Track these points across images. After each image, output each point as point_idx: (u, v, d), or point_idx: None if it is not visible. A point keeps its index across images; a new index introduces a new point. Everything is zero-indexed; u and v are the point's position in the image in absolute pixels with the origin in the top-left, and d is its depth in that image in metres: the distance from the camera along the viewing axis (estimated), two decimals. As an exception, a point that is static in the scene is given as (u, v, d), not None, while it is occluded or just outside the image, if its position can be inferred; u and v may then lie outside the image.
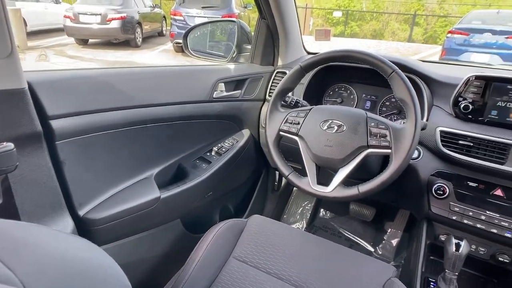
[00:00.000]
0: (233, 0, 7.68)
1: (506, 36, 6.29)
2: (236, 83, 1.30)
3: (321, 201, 1.88)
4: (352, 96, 1.32)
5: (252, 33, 1.41)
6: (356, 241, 1.73)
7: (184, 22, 7.63)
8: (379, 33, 16.69)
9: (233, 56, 1.42)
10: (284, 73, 1.33)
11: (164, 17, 10.30)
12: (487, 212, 0.97)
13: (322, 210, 1.90)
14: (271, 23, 1.30)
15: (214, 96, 1.21)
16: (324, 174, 0.95)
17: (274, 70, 1.38)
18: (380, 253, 1.64)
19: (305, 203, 1.89)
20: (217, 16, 7.36)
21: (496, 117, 0.96)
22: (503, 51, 6.25)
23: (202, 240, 0.92)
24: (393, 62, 0.86)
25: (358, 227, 1.77)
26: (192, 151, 1.21)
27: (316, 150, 0.91)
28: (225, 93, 1.25)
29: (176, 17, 7.77)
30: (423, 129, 0.88)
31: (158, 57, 7.87)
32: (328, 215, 1.88)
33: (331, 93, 1.36)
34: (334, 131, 0.89)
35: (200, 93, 1.18)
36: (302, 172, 0.96)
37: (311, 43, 9.73)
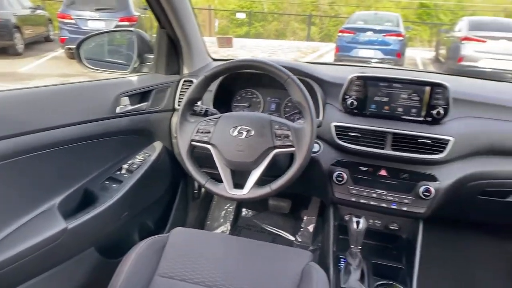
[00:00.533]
0: (131, 1, 7.22)
1: (384, 34, 7.30)
2: (141, 95, 1.26)
3: (242, 202, 1.95)
4: (258, 100, 1.40)
5: (154, 41, 1.39)
6: (278, 233, 1.84)
7: (76, 26, 6.94)
8: (281, 33, 17.70)
9: (135, 66, 1.38)
10: (191, 81, 1.34)
11: (50, 19, 9.16)
12: (377, 190, 1.14)
13: (244, 209, 1.96)
14: (171, 31, 1.29)
15: (117, 111, 1.16)
16: (240, 177, 1.00)
17: (181, 79, 1.38)
18: (300, 240, 1.78)
19: (227, 205, 1.93)
20: (113, 19, 6.89)
21: (375, 110, 1.13)
22: (383, 47, 7.24)
23: (121, 264, 0.88)
24: (288, 68, 0.95)
25: (278, 220, 1.88)
26: (99, 173, 1.14)
27: (229, 155, 0.95)
28: (130, 107, 1.20)
29: (65, 21, 7.02)
30: (319, 126, 1.00)
31: (48, 65, 7.02)
32: (250, 213, 1.96)
33: (239, 98, 1.42)
34: (243, 136, 0.94)
35: (102, 110, 1.11)
36: (220, 178, 0.99)
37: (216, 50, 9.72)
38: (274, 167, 0.97)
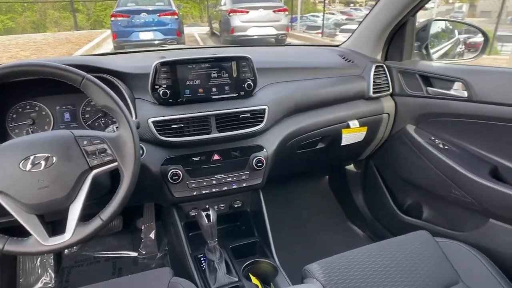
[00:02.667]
0: None
1: (158, 14, 7.27)
2: None
3: None
4: (44, 113, 1.07)
5: None
6: (117, 256, 1.60)
7: None
8: (40, 24, 14.78)
9: None
10: None
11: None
12: (215, 176, 1.11)
13: None
14: None
15: None
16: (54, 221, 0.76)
17: None
18: (144, 252, 1.61)
19: None
20: None
21: (190, 95, 1.07)
22: (162, 27, 7.24)
23: None
24: (78, 66, 0.75)
25: (112, 241, 1.63)
26: None
27: (29, 198, 0.71)
28: None
29: None
30: (138, 127, 0.85)
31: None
32: (75, 247, 1.60)
33: (15, 116, 1.05)
34: (42, 167, 0.71)
35: None
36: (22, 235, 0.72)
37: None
38: (94, 189, 0.78)
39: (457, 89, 1.23)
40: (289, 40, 8.60)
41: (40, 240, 0.72)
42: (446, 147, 1.28)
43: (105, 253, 1.60)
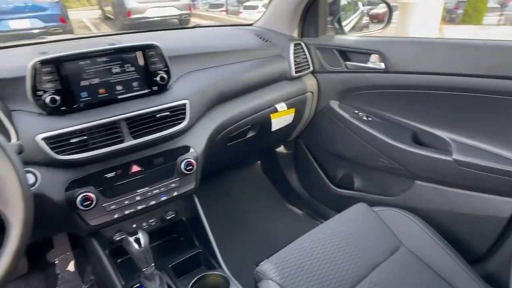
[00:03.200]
0: None
1: (40, -4, 6.17)
2: None
3: None
4: None
5: None
6: None
7: None
8: None
9: None
10: None
11: None
12: (138, 190, 0.94)
13: None
14: None
15: None
16: None
17: None
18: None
19: None
20: None
21: (89, 98, 0.86)
22: (39, 13, 6.16)
23: None
24: None
25: (20, 286, 1.33)
26: None
27: None
28: None
29: None
30: (20, 153, 0.64)
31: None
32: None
33: None
34: None
35: None
36: None
37: None
38: None
39: (374, 61, 1.24)
40: (193, 20, 8.18)
41: None
42: (370, 118, 1.30)
43: (13, 300, 1.29)
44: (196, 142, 1.03)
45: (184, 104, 0.97)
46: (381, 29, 1.49)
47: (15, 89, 0.81)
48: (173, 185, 0.99)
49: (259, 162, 1.91)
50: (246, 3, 11.28)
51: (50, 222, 0.89)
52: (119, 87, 0.89)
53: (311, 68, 1.39)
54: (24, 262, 1.26)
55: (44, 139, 0.79)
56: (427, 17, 5.40)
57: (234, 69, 1.18)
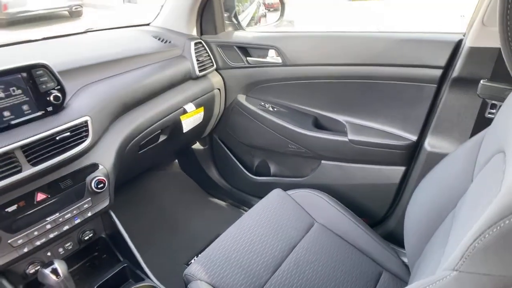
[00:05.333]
0: None
1: None
2: None
3: None
4: None
5: None
6: None
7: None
8: None
9: None
10: None
11: None
12: (48, 218, 0.88)
13: None
14: None
15: None
16: None
17: None
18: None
19: None
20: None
21: None
22: None
23: None
24: None
25: None
26: None
27: None
28: None
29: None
30: None
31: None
32: None
33: None
34: None
35: None
36: None
37: None
38: None
39: (272, 56, 1.33)
40: (86, 10, 7.39)
41: None
42: (275, 109, 1.41)
43: None
44: (104, 158, 1.00)
45: (86, 121, 0.92)
46: (276, 21, 1.59)
47: None
48: (86, 205, 0.95)
49: (176, 161, 1.91)
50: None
51: None
52: (6, 113, 0.81)
53: (215, 66, 1.42)
54: None
55: None
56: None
57: (135, 75, 1.15)
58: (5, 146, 0.78)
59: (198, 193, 1.84)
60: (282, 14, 1.57)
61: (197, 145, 1.77)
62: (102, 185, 0.96)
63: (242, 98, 1.46)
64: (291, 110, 1.39)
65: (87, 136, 0.92)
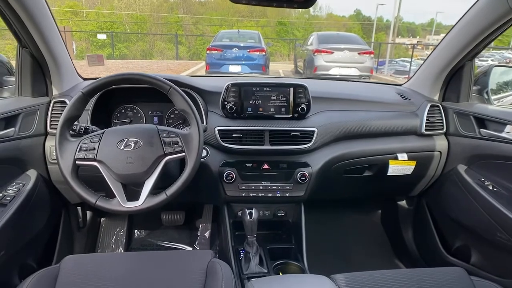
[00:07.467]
0: None
1: (248, 50, 7.99)
2: (5, 121, 1.13)
3: (133, 223, 1.88)
4: (139, 115, 1.41)
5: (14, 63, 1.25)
6: (175, 247, 1.84)
7: None
8: (148, 53, 17.30)
9: (-9, 91, 1.22)
10: (63, 102, 1.27)
11: None
12: (263, 182, 1.30)
13: (136, 231, 1.89)
14: (36, 51, 1.20)
15: None
16: (132, 191, 1.00)
17: (51, 101, 1.28)
18: (198, 249, 1.82)
19: (117, 229, 1.83)
20: None
21: (251, 112, 1.30)
22: (249, 62, 7.90)
23: None
24: (168, 80, 1.01)
25: (173, 234, 1.89)
26: None
27: (119, 169, 0.94)
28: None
29: None
30: (204, 131, 1.08)
31: None
32: (143, 233, 1.90)
33: (118, 115, 1.40)
34: (132, 148, 0.95)
35: None
36: (109, 197, 0.98)
37: (84, 69, 9.03)
38: (165, 177, 1.00)
39: (509, 132, 1.23)
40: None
41: (120, 202, 0.95)
42: (495, 189, 1.27)
43: (166, 243, 1.86)
44: (314, 162, 1.32)
45: (313, 131, 1.29)
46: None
47: (214, 98, 1.33)
48: (288, 187, 1.31)
49: (379, 211, 1.99)
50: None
51: (206, 187, 1.35)
52: (272, 109, 1.30)
53: (444, 130, 1.46)
54: (182, 216, 1.82)
55: (219, 130, 1.26)
56: None
57: (366, 115, 1.42)
58: (262, 127, 1.27)
59: (384, 248, 1.84)
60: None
61: (403, 203, 1.79)
62: (304, 178, 1.28)
63: (462, 169, 1.41)
64: None
65: (310, 141, 1.28)
